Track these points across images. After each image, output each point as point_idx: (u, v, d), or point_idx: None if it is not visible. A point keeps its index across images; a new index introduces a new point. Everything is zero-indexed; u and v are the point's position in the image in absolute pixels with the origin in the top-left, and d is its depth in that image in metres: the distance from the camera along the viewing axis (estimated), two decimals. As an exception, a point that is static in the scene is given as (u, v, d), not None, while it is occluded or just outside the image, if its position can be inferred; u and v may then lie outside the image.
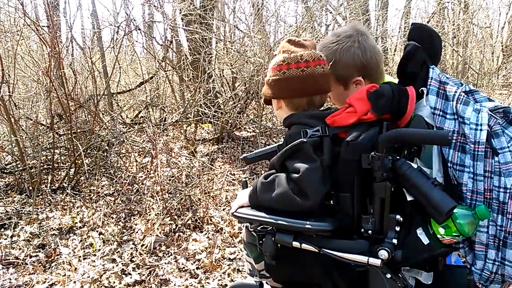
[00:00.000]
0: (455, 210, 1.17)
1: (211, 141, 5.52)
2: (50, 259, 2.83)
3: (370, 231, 1.25)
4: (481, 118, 1.21)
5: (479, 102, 1.28)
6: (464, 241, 1.30)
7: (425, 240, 1.23)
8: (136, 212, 3.51)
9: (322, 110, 1.46)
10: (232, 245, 3.04)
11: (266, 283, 1.62)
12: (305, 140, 1.29)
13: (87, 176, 4.14)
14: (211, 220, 3.39)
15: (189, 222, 3.30)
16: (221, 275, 2.66)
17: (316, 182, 1.25)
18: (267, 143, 5.36)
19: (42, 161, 4.15)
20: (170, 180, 4.01)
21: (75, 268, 2.70)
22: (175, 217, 3.35)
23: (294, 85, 1.42)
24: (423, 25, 1.43)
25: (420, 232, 1.24)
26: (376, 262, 1.20)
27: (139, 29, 5.33)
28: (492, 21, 10.36)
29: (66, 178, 4.07)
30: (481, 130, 1.19)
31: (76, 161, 4.04)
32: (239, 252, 2.91)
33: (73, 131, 4.07)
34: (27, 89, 5.17)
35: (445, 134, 1.15)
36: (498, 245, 1.23)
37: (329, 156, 1.29)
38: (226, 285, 2.55)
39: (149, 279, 2.61)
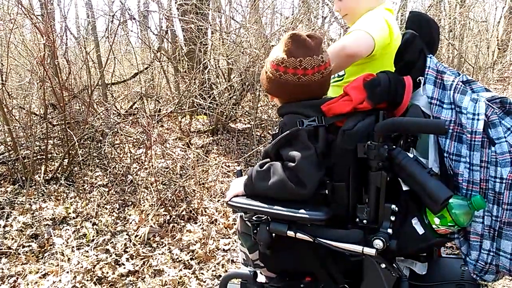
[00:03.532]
0: (450, 200, 1.17)
1: (206, 133, 5.49)
2: (43, 249, 2.81)
3: (365, 221, 1.25)
4: (478, 107, 1.20)
5: (476, 92, 1.27)
6: (459, 232, 1.30)
7: (420, 230, 1.23)
8: (130, 203, 3.49)
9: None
10: (227, 236, 3.03)
11: (260, 272, 1.61)
12: (300, 128, 1.29)
13: (81, 167, 4.11)
14: (205, 211, 3.38)
15: (184, 213, 3.29)
16: (215, 266, 2.65)
17: (312, 170, 1.25)
18: (262, 135, 5.34)
19: (36, 151, 4.11)
20: (164, 171, 3.99)
21: (68, 258, 2.68)
22: (169, 208, 3.34)
23: (288, 89, 1.40)
24: (421, 13, 1.41)
25: (415, 222, 1.24)
26: (371, 251, 1.20)
27: (134, 19, 5.28)
28: (488, 16, 10.37)
29: (60, 168, 4.03)
30: (478, 120, 1.19)
31: (70, 152, 4.01)
32: (233, 243, 2.91)
33: (67, 121, 4.03)
34: (21, 78, 5.11)
35: (441, 123, 1.14)
36: (493, 235, 1.23)
37: (323, 144, 1.29)
38: (220, 275, 2.55)
39: (143, 270, 2.60)
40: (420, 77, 1.33)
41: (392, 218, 1.22)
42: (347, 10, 1.87)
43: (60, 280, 2.45)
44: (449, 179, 1.27)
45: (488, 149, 1.20)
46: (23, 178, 3.79)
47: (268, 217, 1.35)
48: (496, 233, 1.22)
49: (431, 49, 1.36)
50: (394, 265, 1.27)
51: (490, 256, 1.24)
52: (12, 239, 2.91)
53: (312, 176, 1.25)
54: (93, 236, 2.96)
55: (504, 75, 8.87)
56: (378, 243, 1.19)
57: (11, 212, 3.28)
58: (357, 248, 1.22)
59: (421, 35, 1.33)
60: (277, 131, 1.41)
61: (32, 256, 2.71)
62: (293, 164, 1.26)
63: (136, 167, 4.15)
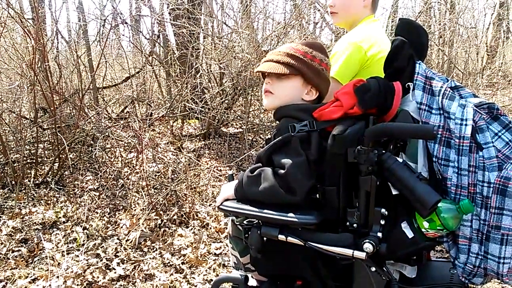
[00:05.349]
0: (439, 204, 1.18)
1: (198, 137, 5.49)
2: (33, 254, 2.79)
3: (355, 225, 1.26)
4: (466, 113, 1.22)
5: (464, 97, 1.29)
6: (448, 235, 1.31)
7: (410, 234, 1.24)
8: (121, 207, 3.48)
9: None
10: (218, 240, 3.03)
11: (251, 276, 1.62)
12: (292, 134, 1.30)
13: (71, 171, 4.09)
14: (197, 215, 3.37)
15: (175, 217, 3.28)
16: (206, 270, 2.65)
17: (302, 178, 1.26)
18: (253, 139, 5.35)
19: (26, 155, 4.09)
20: (156, 175, 3.98)
21: (58, 263, 2.66)
22: (161, 212, 3.33)
23: (312, 73, 1.46)
24: (410, 21, 1.43)
25: (404, 226, 1.25)
26: (361, 255, 1.21)
27: (126, 23, 5.27)
28: (477, 22, 10.49)
29: (50, 172, 4.01)
30: (466, 125, 1.21)
31: (60, 156, 3.98)
32: (224, 247, 2.91)
33: (57, 125, 4.01)
34: (11, 82, 5.08)
35: (430, 128, 1.16)
36: (481, 239, 1.24)
37: (316, 151, 1.30)
38: (211, 280, 2.54)
39: (134, 274, 2.59)
40: (409, 83, 1.35)
41: (382, 222, 1.23)
42: (338, 8, 1.95)
43: (50, 285, 2.43)
44: (437, 183, 1.28)
45: (476, 154, 1.21)
46: (13, 182, 3.76)
47: (259, 221, 1.36)
48: (484, 236, 1.24)
49: (420, 56, 1.38)
50: (384, 268, 1.28)
51: (479, 259, 1.26)
52: (1, 243, 2.88)
53: (302, 183, 1.26)
54: (84, 241, 2.95)
55: (493, 80, 8.96)
56: (368, 247, 1.19)
57: (0, 217, 3.25)
58: (348, 251, 1.23)
59: (410, 41, 1.35)
60: (271, 137, 1.42)
61: (22, 260, 2.69)
62: (283, 171, 1.27)
63: (127, 171, 4.13)
